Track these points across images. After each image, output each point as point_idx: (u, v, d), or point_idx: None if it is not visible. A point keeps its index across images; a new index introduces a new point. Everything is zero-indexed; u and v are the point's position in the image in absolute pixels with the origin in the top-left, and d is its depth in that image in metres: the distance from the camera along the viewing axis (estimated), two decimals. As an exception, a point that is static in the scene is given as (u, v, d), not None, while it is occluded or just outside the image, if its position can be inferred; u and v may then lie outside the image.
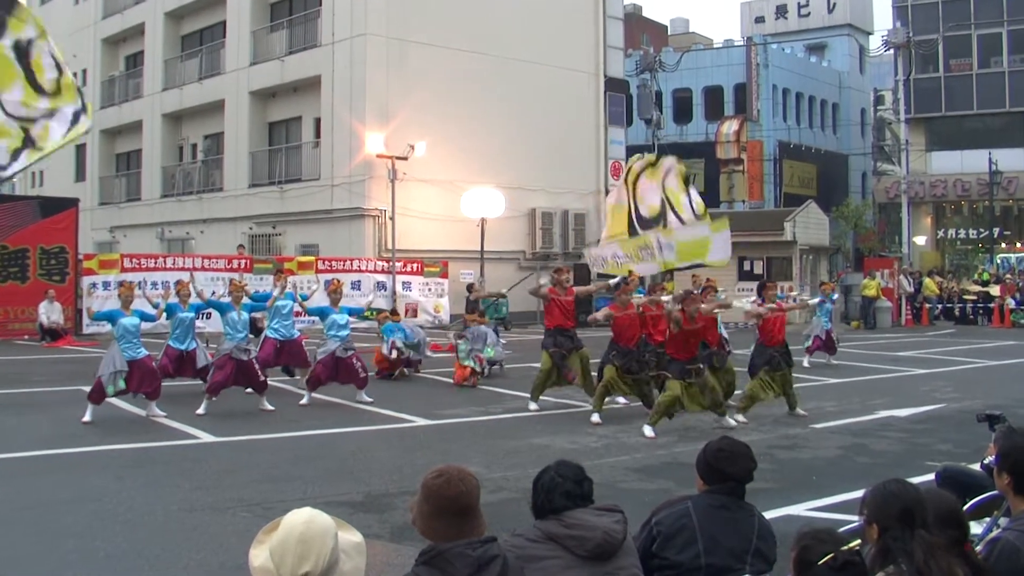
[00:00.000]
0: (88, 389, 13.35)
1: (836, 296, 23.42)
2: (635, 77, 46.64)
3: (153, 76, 42.81)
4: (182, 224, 39.68)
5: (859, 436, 12.52)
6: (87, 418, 12.95)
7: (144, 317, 13.80)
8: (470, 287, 25.73)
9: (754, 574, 4.52)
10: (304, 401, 14.80)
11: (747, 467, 4.68)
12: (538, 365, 14.89)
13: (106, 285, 25.73)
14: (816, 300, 21.17)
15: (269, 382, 15.28)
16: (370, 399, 14.98)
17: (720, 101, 55.18)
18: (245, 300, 15.06)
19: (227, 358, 14.15)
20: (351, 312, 15.94)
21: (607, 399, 14.05)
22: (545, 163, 35.53)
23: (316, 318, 16.48)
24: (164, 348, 15.18)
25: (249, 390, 14.46)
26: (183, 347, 15.05)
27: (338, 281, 16.43)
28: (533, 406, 14.47)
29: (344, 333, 15.21)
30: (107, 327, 13.94)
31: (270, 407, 14.22)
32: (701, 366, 12.95)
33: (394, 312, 20.89)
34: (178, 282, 16.40)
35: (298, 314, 17.10)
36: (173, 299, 15.19)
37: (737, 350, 17.32)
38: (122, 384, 13.12)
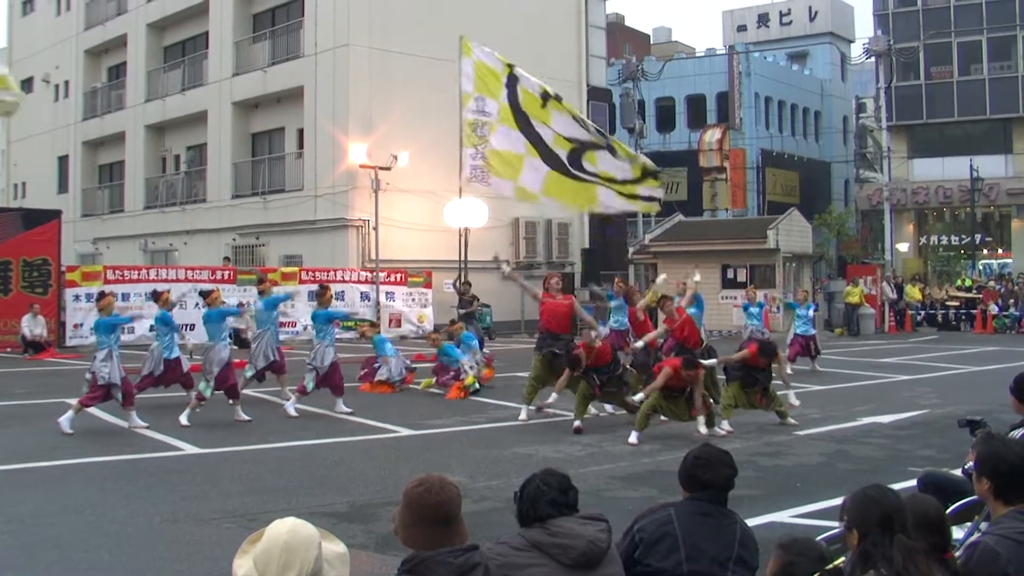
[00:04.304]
0: (71, 400, 13.32)
1: (797, 305, 23.19)
2: (618, 86, 46.79)
3: (136, 87, 42.75)
4: (165, 236, 39.60)
5: (842, 442, 12.56)
6: (68, 429, 12.88)
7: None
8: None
9: (736, 581, 4.54)
10: (292, 412, 14.72)
11: (725, 474, 4.69)
12: (524, 374, 14.93)
13: (89, 297, 25.64)
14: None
15: (253, 393, 15.29)
16: (349, 409, 14.95)
17: (703, 109, 55.37)
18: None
19: (224, 369, 14.17)
20: (332, 317, 15.98)
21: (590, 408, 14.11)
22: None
23: (300, 330, 16.43)
24: (163, 364, 15.12)
25: (231, 402, 14.43)
26: (168, 356, 15.02)
27: (327, 288, 16.48)
28: (523, 415, 14.46)
29: (331, 337, 15.32)
30: (91, 339, 13.90)
31: (246, 417, 14.18)
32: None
33: (373, 324, 20.81)
34: (157, 291, 16.36)
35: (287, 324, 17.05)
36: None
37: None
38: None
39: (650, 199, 17.17)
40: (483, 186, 17.62)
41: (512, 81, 16.85)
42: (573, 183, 16.82)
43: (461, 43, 17.26)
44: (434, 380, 17.91)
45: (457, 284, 27.60)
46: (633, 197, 16.84)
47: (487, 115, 16.87)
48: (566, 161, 16.59)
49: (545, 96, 16.66)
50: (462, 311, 25.87)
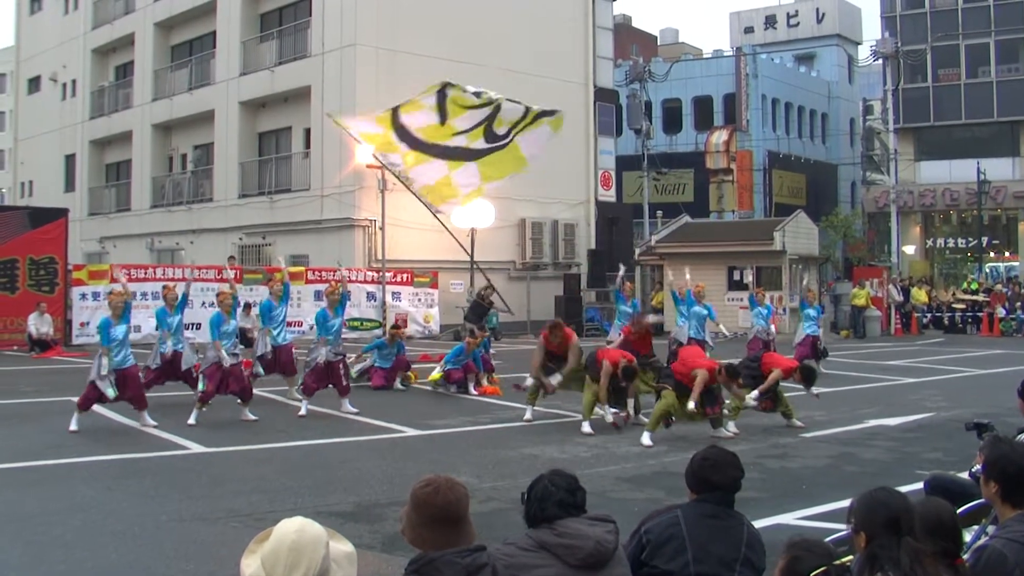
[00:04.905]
0: (76, 399, 13.35)
1: (806, 305, 23.17)
2: (625, 87, 46.75)
3: (143, 86, 42.78)
4: (172, 235, 39.63)
5: (848, 445, 12.54)
6: (73, 427, 12.93)
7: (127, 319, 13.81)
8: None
9: (743, 583, 4.53)
10: (302, 412, 14.73)
11: (732, 476, 4.68)
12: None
13: (96, 296, 25.70)
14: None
15: (260, 393, 15.29)
16: (355, 409, 14.95)
17: (709, 111, 55.33)
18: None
19: (216, 366, 14.12)
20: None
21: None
22: (534, 173, 35.26)
23: (306, 329, 16.42)
24: (158, 357, 15.12)
25: (240, 401, 14.42)
26: (168, 348, 15.00)
27: (335, 283, 16.43)
28: (528, 415, 14.46)
29: (336, 338, 15.27)
30: (97, 337, 13.90)
31: (253, 417, 14.18)
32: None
33: (395, 327, 20.39)
34: (164, 287, 16.32)
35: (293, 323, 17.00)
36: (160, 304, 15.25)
37: (730, 359, 17.23)
38: (112, 392, 13.11)
39: (549, 112, 17.30)
40: (443, 213, 17.96)
41: (401, 131, 16.87)
42: (499, 155, 16.99)
43: (334, 121, 17.52)
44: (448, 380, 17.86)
45: (480, 291, 27.60)
46: (536, 118, 16.96)
47: (396, 165, 17.11)
48: (486, 143, 16.74)
49: (443, 114, 16.76)
50: (471, 312, 25.85)
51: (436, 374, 17.90)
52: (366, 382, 18.17)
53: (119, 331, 13.40)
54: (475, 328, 20.94)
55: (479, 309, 26.04)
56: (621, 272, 19.98)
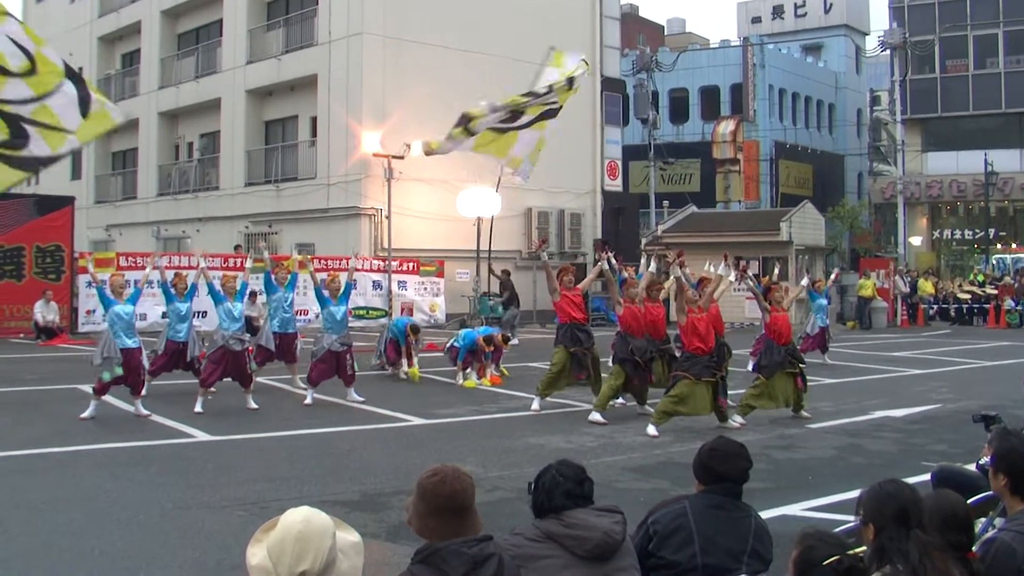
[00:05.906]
0: (87, 387, 13.34)
1: (827, 290, 23.36)
2: (632, 77, 46.65)
3: (149, 74, 42.77)
4: (178, 223, 39.62)
5: (855, 436, 12.52)
6: (87, 414, 12.91)
7: (135, 299, 13.84)
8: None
9: (750, 574, 4.52)
10: (307, 401, 14.73)
11: (741, 467, 4.67)
12: (538, 365, 14.85)
13: (102, 284, 25.67)
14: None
15: (266, 381, 15.29)
16: (361, 398, 14.94)
17: (716, 101, 55.25)
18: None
19: (221, 351, 14.11)
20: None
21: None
22: (541, 162, 35.11)
23: (312, 317, 16.41)
24: (164, 344, 15.10)
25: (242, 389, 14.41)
26: (181, 339, 15.00)
27: (335, 274, 16.43)
28: (536, 405, 14.40)
29: (341, 328, 15.20)
30: (103, 325, 13.88)
31: (254, 405, 14.15)
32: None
33: (416, 330, 19.83)
34: (176, 275, 16.31)
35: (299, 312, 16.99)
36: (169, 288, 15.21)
37: (737, 350, 17.16)
38: (119, 370, 13.05)
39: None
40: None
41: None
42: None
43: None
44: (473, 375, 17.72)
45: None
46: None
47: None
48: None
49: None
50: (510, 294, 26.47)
51: (471, 382, 17.55)
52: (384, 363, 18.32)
53: (123, 310, 13.40)
54: (507, 333, 20.75)
55: (507, 284, 26.40)
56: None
